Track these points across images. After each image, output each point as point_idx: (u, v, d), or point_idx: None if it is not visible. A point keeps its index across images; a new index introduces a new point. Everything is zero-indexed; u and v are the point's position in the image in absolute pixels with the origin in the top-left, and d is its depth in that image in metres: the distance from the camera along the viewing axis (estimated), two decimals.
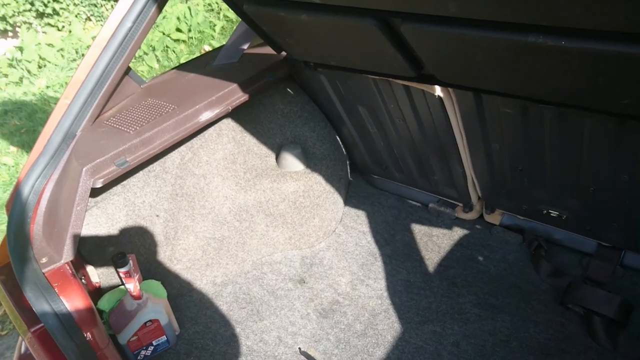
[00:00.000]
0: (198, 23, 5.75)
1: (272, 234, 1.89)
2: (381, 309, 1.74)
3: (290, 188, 1.86)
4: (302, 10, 1.24)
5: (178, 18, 5.75)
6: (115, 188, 1.60)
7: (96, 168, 1.33)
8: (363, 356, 1.58)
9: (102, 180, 1.32)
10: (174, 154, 1.69)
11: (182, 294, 1.79)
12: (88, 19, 6.15)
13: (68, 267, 1.26)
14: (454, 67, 1.22)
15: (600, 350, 1.52)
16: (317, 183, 1.92)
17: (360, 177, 2.28)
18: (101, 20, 6.10)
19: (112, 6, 6.07)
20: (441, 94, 1.48)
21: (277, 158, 1.91)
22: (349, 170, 2.19)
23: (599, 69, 0.94)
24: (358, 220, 2.08)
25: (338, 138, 2.06)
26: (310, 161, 1.93)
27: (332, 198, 1.99)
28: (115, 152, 1.36)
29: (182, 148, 1.71)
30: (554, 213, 1.73)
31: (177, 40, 5.49)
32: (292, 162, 1.87)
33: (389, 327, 1.66)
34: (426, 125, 1.68)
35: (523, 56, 1.01)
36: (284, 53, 1.70)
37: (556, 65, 0.99)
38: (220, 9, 6.10)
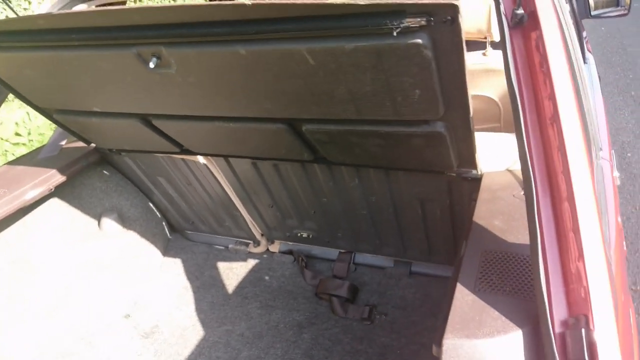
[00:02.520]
0: (38, 126, 6.06)
1: (101, 283, 2.40)
2: (190, 324, 2.31)
3: (113, 245, 2.41)
4: (94, 116, 1.88)
5: (17, 123, 6.02)
6: None
7: None
8: (175, 357, 2.13)
9: None
10: (11, 228, 2.16)
11: (23, 342, 2.19)
12: None
13: None
14: (197, 142, 1.94)
15: (337, 318, 2.24)
16: (135, 239, 2.50)
17: (178, 234, 2.88)
18: None
19: None
20: (205, 162, 2.19)
21: (99, 224, 2.46)
22: (166, 229, 2.79)
23: (247, 136, 1.71)
24: (174, 266, 2.67)
25: (151, 204, 2.67)
26: (126, 223, 2.51)
27: (150, 250, 2.57)
28: None
29: (17, 224, 2.18)
30: (304, 234, 2.49)
31: (16, 144, 5.74)
32: (111, 225, 2.43)
33: (194, 334, 2.24)
34: (205, 186, 2.37)
35: (224, 133, 1.75)
36: (93, 145, 2.30)
37: (238, 136, 1.76)
38: None
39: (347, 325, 2.20)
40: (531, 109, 1.22)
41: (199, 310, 2.38)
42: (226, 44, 1.26)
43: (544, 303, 1.02)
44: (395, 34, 1.06)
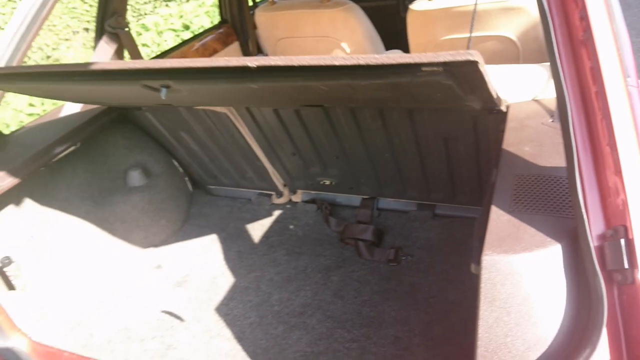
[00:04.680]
0: None
1: (130, 236, 2.45)
2: (220, 273, 2.36)
3: (137, 199, 2.45)
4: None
5: None
6: None
7: None
8: (208, 303, 2.19)
9: None
10: (38, 185, 2.20)
11: (61, 295, 2.26)
12: None
13: None
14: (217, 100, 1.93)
15: (363, 261, 2.28)
16: (159, 193, 2.53)
17: (200, 189, 2.92)
18: None
19: None
20: (225, 111, 2.19)
21: (125, 179, 2.49)
22: (188, 184, 2.82)
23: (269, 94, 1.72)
24: (199, 219, 2.71)
25: (174, 160, 2.70)
26: (151, 178, 2.54)
27: (174, 203, 2.61)
28: None
29: (44, 180, 2.22)
30: (327, 182, 2.51)
31: (31, 115, 5.77)
32: (135, 179, 2.47)
33: (225, 281, 2.30)
34: (227, 137, 2.38)
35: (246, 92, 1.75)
36: None
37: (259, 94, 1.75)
38: None
39: (374, 267, 2.24)
40: (563, 31, 1.19)
41: (228, 259, 2.43)
42: (237, 82, 1.26)
43: (582, 215, 1.03)
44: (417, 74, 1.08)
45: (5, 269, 1.87)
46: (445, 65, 1.03)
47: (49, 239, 2.21)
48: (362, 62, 1.03)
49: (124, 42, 2.44)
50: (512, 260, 1.07)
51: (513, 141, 1.44)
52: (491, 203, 1.24)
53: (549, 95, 1.66)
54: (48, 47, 7.84)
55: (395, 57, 1.03)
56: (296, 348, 1.90)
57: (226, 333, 2.01)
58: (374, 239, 2.35)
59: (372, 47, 2.95)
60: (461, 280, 2.01)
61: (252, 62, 1.10)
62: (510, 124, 1.55)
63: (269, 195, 2.75)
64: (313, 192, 2.66)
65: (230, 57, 1.14)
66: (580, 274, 1.04)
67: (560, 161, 1.31)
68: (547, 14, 1.18)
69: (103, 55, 2.36)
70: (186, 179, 2.80)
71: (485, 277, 1.06)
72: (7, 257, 1.89)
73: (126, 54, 2.59)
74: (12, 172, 1.97)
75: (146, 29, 7.62)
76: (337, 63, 1.05)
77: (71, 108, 2.38)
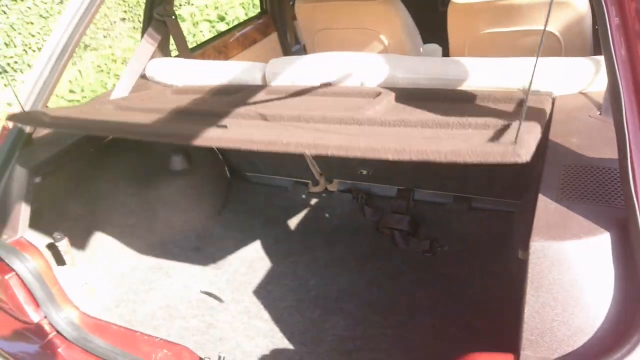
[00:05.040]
0: (90, 83, 6.25)
1: (171, 218, 2.53)
2: (257, 257, 2.42)
3: (179, 182, 2.53)
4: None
5: (70, 81, 6.22)
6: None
7: None
8: (246, 285, 2.25)
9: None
10: (88, 167, 2.29)
11: (107, 271, 2.36)
12: None
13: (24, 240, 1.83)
14: None
15: (398, 250, 2.31)
16: (201, 178, 2.61)
17: (238, 177, 2.99)
18: None
19: None
20: None
21: (169, 163, 2.57)
22: (227, 171, 2.89)
23: None
24: (237, 205, 2.78)
25: (215, 147, 2.77)
26: (193, 164, 2.62)
27: (214, 188, 2.69)
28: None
29: (93, 163, 2.31)
30: (364, 171, 2.54)
31: (71, 101, 5.95)
32: (178, 163, 2.55)
33: (262, 265, 2.35)
34: None
35: None
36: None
37: None
38: (110, 69, 6.63)
39: (410, 257, 2.27)
40: (617, 22, 1.19)
41: (265, 244, 2.49)
42: None
43: (633, 203, 1.03)
44: None
45: (57, 244, 1.96)
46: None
47: (95, 218, 2.31)
48: (414, 157, 1.09)
49: (171, 30, 2.52)
50: (560, 246, 1.08)
51: (560, 133, 1.45)
52: (538, 191, 1.26)
53: (596, 88, 1.65)
54: (86, 36, 8.04)
55: (446, 152, 1.06)
56: (333, 332, 1.95)
57: (264, 315, 2.07)
58: (410, 229, 2.38)
59: (410, 41, 2.96)
60: (497, 272, 2.02)
61: (310, 149, 1.20)
62: (557, 116, 1.55)
63: (306, 184, 2.80)
64: (349, 181, 2.69)
65: (289, 140, 1.19)
66: (628, 263, 1.06)
67: (608, 153, 1.31)
68: (602, 5, 1.18)
69: (151, 42, 2.44)
70: (225, 166, 2.87)
71: (533, 263, 1.08)
72: (59, 233, 1.98)
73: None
74: (63, 153, 2.06)
75: (182, 19, 7.74)
76: (390, 157, 1.11)
77: (119, 92, 2.46)
